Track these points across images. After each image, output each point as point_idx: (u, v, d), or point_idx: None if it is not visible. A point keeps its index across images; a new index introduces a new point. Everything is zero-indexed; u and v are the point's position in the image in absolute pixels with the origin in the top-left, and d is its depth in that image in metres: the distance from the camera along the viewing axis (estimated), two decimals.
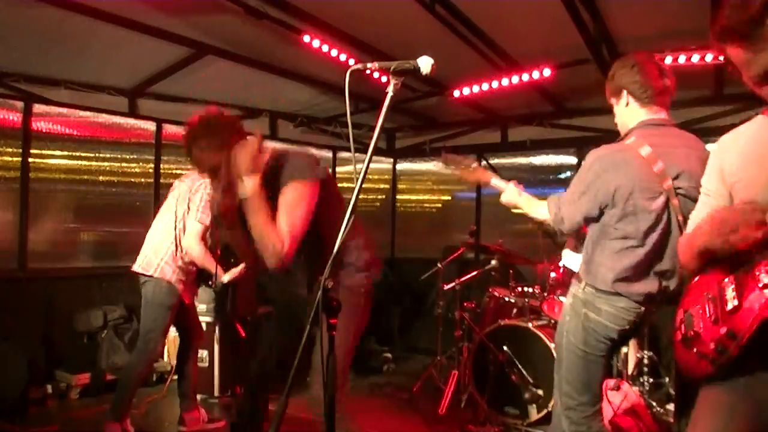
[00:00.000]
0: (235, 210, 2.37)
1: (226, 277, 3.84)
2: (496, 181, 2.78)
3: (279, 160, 2.43)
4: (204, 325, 4.62)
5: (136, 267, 3.69)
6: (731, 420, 1.59)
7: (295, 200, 2.31)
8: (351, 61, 4.37)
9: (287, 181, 2.34)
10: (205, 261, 3.69)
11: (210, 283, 3.95)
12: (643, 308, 2.34)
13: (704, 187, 1.80)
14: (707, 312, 1.64)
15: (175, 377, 4.76)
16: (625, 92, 2.42)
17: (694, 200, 1.99)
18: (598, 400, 2.51)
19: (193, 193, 3.66)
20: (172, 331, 4.97)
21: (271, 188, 2.35)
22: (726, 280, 1.60)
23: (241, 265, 3.88)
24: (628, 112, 2.44)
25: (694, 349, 1.66)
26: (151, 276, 3.60)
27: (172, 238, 3.66)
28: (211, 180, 2.48)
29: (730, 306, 1.56)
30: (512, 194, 2.70)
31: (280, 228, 2.26)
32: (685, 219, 2.17)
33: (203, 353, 4.61)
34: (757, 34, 1.42)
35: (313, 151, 7.04)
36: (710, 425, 1.63)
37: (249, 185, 2.25)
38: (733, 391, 1.60)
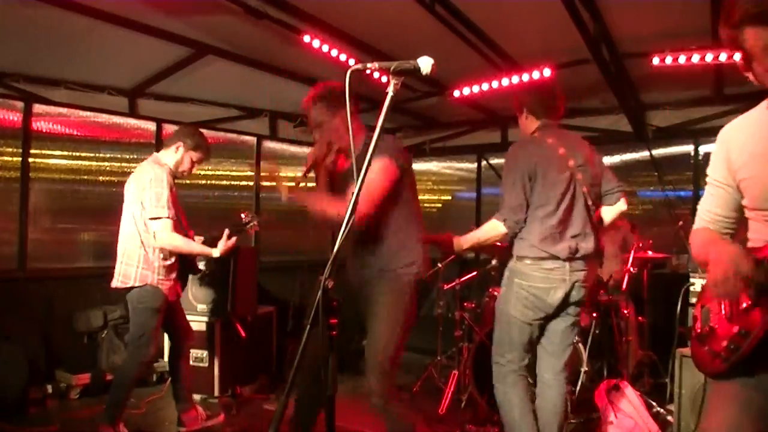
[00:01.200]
0: (325, 162, 2.75)
1: (216, 252, 3.67)
2: (443, 242, 3.07)
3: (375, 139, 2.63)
4: (204, 325, 4.63)
5: (115, 283, 3.56)
6: (744, 413, 1.59)
7: (377, 172, 2.53)
8: (351, 61, 4.36)
9: (378, 154, 2.41)
10: (190, 247, 3.64)
11: (195, 270, 3.91)
12: (567, 265, 2.80)
13: (711, 177, 1.78)
14: (722, 309, 1.63)
15: None
16: (524, 108, 3.08)
17: (592, 176, 2.93)
18: (523, 359, 2.95)
19: (141, 192, 3.49)
20: None
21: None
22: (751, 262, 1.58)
23: (226, 233, 3.73)
24: (528, 123, 3.10)
25: (707, 347, 1.66)
26: (132, 286, 3.51)
27: (138, 243, 3.52)
28: (316, 136, 2.82)
29: (744, 304, 1.56)
30: (465, 240, 3.02)
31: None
32: (589, 189, 2.91)
33: (203, 353, 4.61)
34: None
35: None
36: (723, 418, 1.63)
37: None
38: (746, 386, 1.60)
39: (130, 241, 3.56)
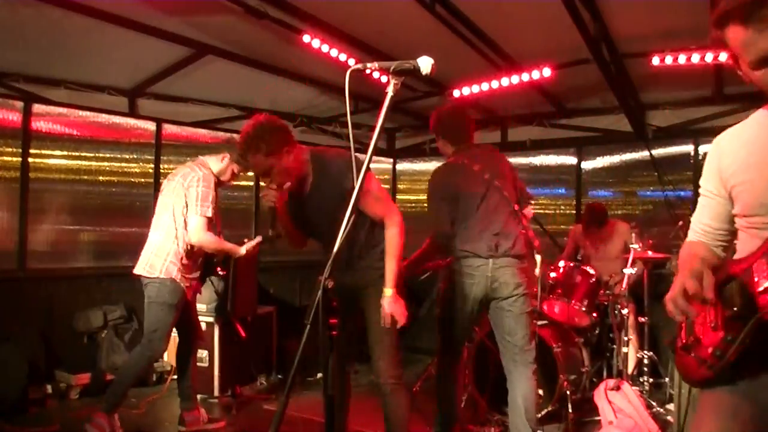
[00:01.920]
0: (284, 204, 2.84)
1: (243, 249, 3.89)
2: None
3: (317, 162, 2.88)
4: (204, 325, 4.63)
5: (139, 270, 3.68)
6: (733, 421, 1.58)
7: (371, 190, 2.83)
8: (351, 61, 4.36)
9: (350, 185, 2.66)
10: (221, 245, 3.82)
11: (215, 273, 3.99)
12: (490, 261, 3.15)
13: (703, 188, 1.77)
14: (707, 318, 1.62)
15: (175, 377, 4.77)
16: (440, 136, 3.51)
17: (510, 181, 3.36)
18: (458, 355, 3.44)
19: (187, 189, 3.64)
20: (173, 331, 4.99)
21: (319, 182, 2.84)
22: (727, 286, 1.58)
23: (259, 238, 3.99)
24: (445, 146, 3.54)
25: (693, 354, 1.66)
26: (156, 277, 3.60)
27: (173, 237, 3.65)
28: (265, 180, 2.89)
29: (729, 311, 1.55)
30: (409, 268, 3.35)
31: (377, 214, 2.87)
32: (512, 193, 3.31)
33: (203, 353, 4.61)
34: (760, 15, 1.41)
35: None
36: (713, 427, 1.62)
37: None
38: (735, 394, 1.59)
39: (164, 235, 3.67)
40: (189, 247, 3.67)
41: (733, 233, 1.74)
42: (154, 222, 3.79)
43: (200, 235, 3.62)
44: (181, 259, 3.65)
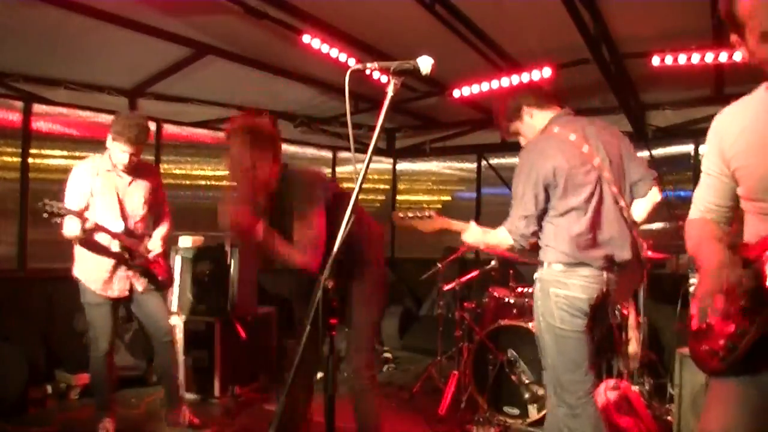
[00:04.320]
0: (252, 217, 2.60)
1: (153, 250, 3.59)
2: (457, 224, 2.82)
3: (286, 181, 2.77)
4: (203, 325, 4.62)
5: None
6: (743, 411, 1.59)
7: (306, 221, 2.66)
8: (351, 61, 4.36)
9: (298, 207, 2.68)
10: (72, 235, 3.28)
11: (161, 282, 3.69)
12: (605, 274, 2.52)
13: (705, 166, 1.78)
14: (719, 306, 1.62)
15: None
16: (524, 107, 2.73)
17: (618, 173, 2.56)
18: (590, 378, 2.58)
19: None
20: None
21: (281, 203, 2.76)
22: (738, 273, 1.57)
23: (165, 229, 3.71)
24: (535, 121, 2.73)
25: (705, 345, 1.66)
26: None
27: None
28: (231, 186, 2.75)
29: (741, 302, 1.55)
30: (476, 233, 2.74)
31: (298, 241, 2.67)
32: (620, 189, 2.57)
33: (203, 353, 4.60)
34: None
35: (313, 151, 7.05)
36: (722, 416, 1.62)
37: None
38: (745, 384, 1.59)
39: None
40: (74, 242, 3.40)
41: (735, 209, 1.75)
42: None
43: (64, 230, 3.27)
44: (77, 257, 3.47)
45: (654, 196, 2.65)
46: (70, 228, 3.24)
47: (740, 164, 1.63)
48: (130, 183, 3.52)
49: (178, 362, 4.02)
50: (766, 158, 1.57)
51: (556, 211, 2.56)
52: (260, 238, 2.60)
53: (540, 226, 2.61)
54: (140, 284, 3.58)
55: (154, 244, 3.63)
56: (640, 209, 2.67)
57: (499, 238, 2.65)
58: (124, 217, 3.50)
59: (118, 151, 3.36)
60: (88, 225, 3.24)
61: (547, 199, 2.56)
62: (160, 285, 3.71)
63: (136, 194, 3.55)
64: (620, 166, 2.63)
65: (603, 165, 2.55)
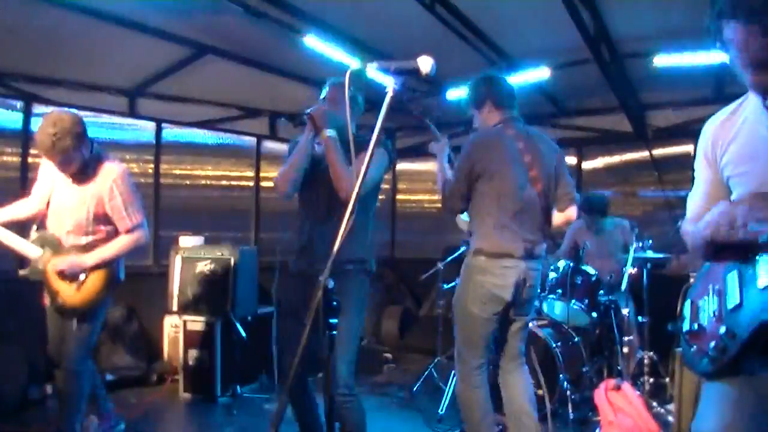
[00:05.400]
0: None
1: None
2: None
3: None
4: (203, 325, 4.62)
5: None
6: (736, 412, 1.58)
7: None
8: (351, 61, 4.36)
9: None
10: None
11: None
12: (523, 264, 2.80)
13: (697, 171, 1.79)
14: (711, 306, 1.62)
15: (176, 377, 4.78)
16: (488, 101, 3.02)
17: (547, 176, 2.89)
18: (484, 357, 2.92)
19: None
20: (172, 332, 4.99)
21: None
22: (730, 273, 1.58)
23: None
24: (490, 117, 3.03)
25: (695, 346, 1.66)
26: None
27: None
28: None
29: (731, 304, 1.55)
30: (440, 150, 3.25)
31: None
32: (541, 190, 2.88)
33: (203, 353, 4.60)
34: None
35: None
36: (715, 417, 1.62)
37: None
38: (738, 385, 1.59)
39: None
40: None
41: None
42: None
43: None
44: None
45: (569, 213, 3.03)
46: None
47: (732, 173, 1.64)
48: (71, 185, 3.15)
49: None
50: (757, 167, 1.57)
51: (482, 199, 2.92)
52: None
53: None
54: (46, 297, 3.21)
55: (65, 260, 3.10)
56: (555, 219, 3.06)
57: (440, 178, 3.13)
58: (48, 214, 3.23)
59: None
60: None
61: (477, 182, 2.91)
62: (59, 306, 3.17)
63: (73, 200, 3.14)
64: (549, 175, 2.96)
65: (532, 163, 2.88)
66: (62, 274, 3.08)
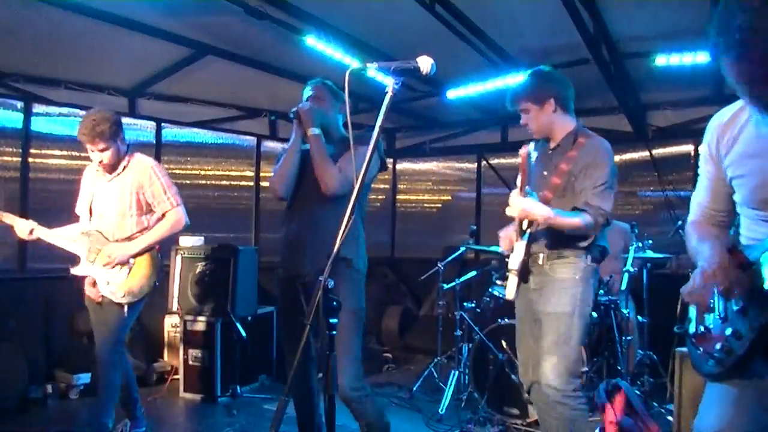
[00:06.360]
0: None
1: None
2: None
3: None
4: (204, 325, 4.63)
5: None
6: (738, 412, 1.58)
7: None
8: (351, 61, 4.36)
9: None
10: None
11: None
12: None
13: (702, 168, 1.79)
14: (717, 308, 1.62)
15: (176, 377, 4.78)
16: (554, 102, 2.80)
17: None
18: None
19: None
20: (172, 332, 5.00)
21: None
22: (736, 274, 1.57)
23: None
24: (562, 121, 2.88)
25: (701, 349, 1.65)
26: None
27: None
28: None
29: (737, 306, 1.54)
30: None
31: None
32: None
33: (203, 353, 4.60)
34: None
35: None
36: (717, 416, 1.62)
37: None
38: (741, 386, 1.59)
39: None
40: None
41: (733, 213, 1.75)
42: None
43: None
44: None
45: None
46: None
47: (734, 174, 1.64)
48: (110, 181, 3.31)
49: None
50: (760, 167, 1.57)
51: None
52: None
53: None
54: (92, 292, 3.30)
55: (113, 247, 3.26)
56: None
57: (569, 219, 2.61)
58: (92, 216, 3.35)
59: (89, 151, 3.24)
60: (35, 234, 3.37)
61: None
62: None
63: (114, 193, 3.29)
64: None
65: None
66: (112, 264, 3.23)
